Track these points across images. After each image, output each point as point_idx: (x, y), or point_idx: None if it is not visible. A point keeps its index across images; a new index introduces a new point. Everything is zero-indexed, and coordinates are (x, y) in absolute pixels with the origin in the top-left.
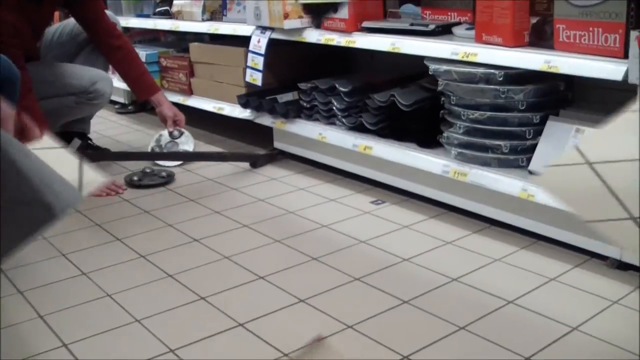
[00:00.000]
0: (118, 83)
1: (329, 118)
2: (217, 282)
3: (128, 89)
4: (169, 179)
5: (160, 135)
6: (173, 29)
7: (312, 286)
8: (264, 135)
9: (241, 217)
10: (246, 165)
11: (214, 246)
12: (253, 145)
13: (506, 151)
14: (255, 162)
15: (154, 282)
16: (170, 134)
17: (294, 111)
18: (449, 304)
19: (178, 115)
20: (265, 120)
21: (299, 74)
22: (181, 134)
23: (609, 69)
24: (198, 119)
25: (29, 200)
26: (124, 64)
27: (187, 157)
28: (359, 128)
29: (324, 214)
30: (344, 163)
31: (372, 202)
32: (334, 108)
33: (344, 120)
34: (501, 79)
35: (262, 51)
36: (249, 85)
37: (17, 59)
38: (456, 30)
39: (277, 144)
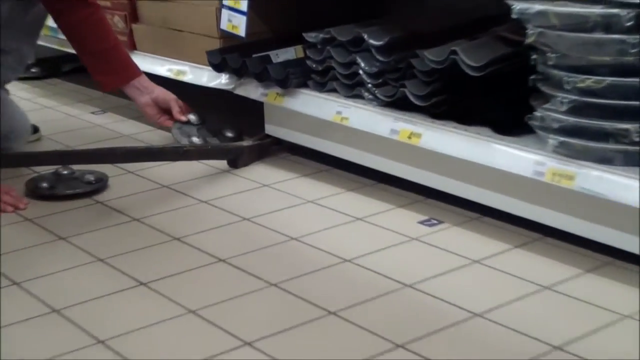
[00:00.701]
0: None
1: (352, 88)
2: None
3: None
4: (98, 185)
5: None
6: None
7: None
8: (250, 114)
9: (214, 248)
10: (223, 163)
11: (170, 294)
12: (232, 131)
13: (638, 139)
14: (236, 159)
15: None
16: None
17: (296, 77)
18: None
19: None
20: (252, 91)
21: (305, 19)
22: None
23: None
24: None
25: None
26: (88, 33)
27: (126, 157)
28: (399, 104)
29: (348, 242)
30: (376, 159)
31: (422, 222)
32: (361, 72)
33: (375, 91)
34: (630, 23)
35: None
36: (225, 35)
37: None
38: None
39: (270, 129)
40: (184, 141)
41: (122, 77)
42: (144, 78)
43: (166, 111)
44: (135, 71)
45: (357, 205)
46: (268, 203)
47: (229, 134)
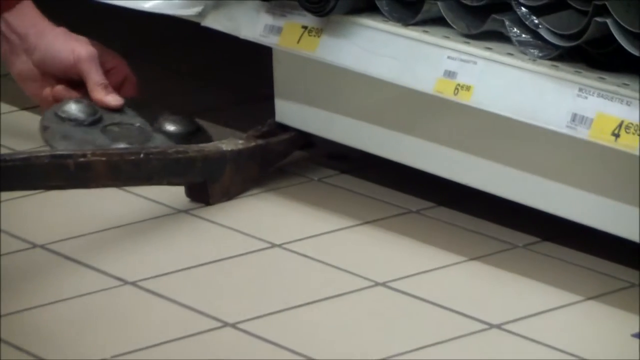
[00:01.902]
0: None
1: (483, 18)
2: None
3: None
4: None
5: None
6: None
7: None
8: (236, 83)
9: None
10: (177, 195)
11: None
12: (185, 123)
13: None
14: (208, 184)
15: None
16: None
17: None
18: None
19: (111, 60)
20: (244, 21)
21: None
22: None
23: None
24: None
25: None
26: None
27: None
28: (587, 56)
29: None
30: (543, 186)
31: None
32: None
33: (539, 25)
34: None
35: None
36: None
37: None
38: None
39: (285, 113)
40: (61, 145)
41: None
42: (29, 7)
43: (70, 81)
44: None
45: (502, 297)
46: (294, 294)
47: (179, 129)
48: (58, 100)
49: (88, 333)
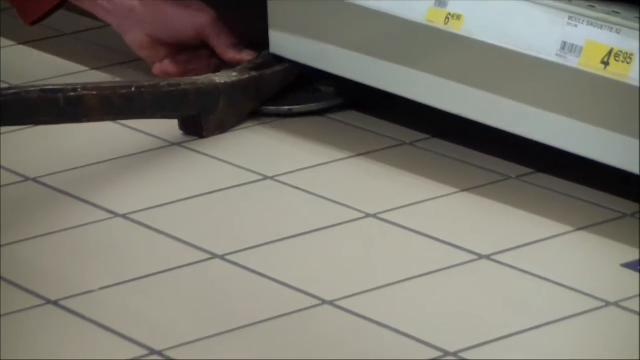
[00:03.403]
0: None
1: None
2: None
3: None
4: None
5: None
6: None
7: None
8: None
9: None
10: (170, 129)
11: None
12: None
13: None
14: (202, 115)
15: None
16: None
17: None
18: None
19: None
20: None
21: None
22: None
23: None
24: None
25: None
26: None
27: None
28: None
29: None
30: (530, 114)
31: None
32: None
33: None
34: None
35: None
36: None
37: None
38: None
39: (279, 43)
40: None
41: None
42: None
43: (191, 47)
44: None
45: (494, 228)
46: (286, 226)
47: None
48: (170, 74)
49: (78, 265)
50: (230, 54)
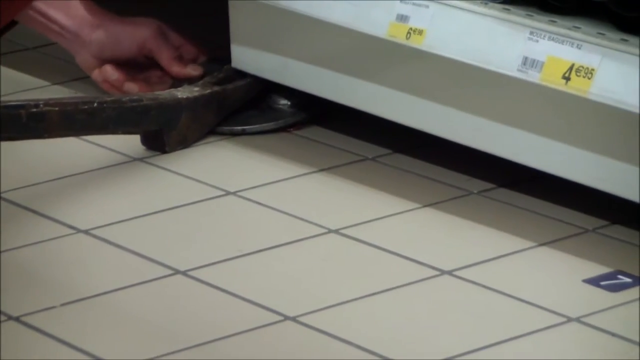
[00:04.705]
0: None
1: None
2: None
3: None
4: None
5: None
6: None
7: None
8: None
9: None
10: (132, 143)
11: None
12: None
13: None
14: (164, 131)
15: None
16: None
17: None
18: None
19: (175, 37)
20: None
21: None
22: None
23: None
24: None
25: None
26: None
27: None
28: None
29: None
30: (490, 129)
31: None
32: None
33: None
34: None
35: None
36: None
37: None
38: None
39: (241, 57)
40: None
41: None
42: None
43: (135, 63)
44: None
45: (454, 246)
46: (248, 241)
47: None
48: (110, 81)
49: (39, 281)
50: (175, 68)
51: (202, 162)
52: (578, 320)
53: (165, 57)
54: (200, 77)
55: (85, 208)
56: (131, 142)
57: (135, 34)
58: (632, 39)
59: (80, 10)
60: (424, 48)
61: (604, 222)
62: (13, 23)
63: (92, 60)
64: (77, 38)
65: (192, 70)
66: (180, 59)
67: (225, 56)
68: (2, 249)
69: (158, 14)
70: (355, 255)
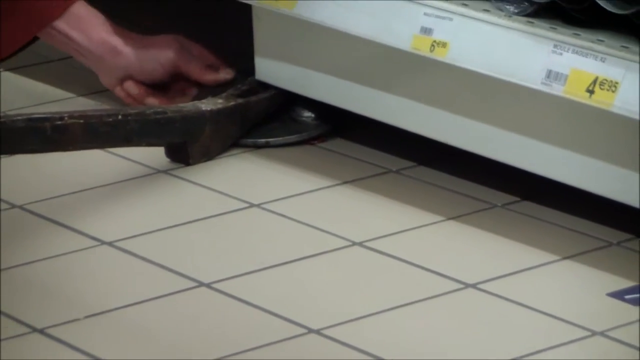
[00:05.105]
0: None
1: None
2: None
3: None
4: None
5: None
6: None
7: None
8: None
9: None
10: (157, 156)
11: None
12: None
13: None
14: (188, 144)
15: None
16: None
17: None
18: None
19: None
20: None
21: None
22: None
23: None
24: None
25: None
26: None
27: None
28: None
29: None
30: (517, 143)
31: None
32: None
33: None
34: None
35: None
36: None
37: None
38: None
39: (265, 70)
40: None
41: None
42: (83, 7)
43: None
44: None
45: (477, 259)
46: (272, 253)
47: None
48: (132, 95)
49: (64, 293)
50: (208, 76)
51: (226, 175)
52: (602, 334)
53: (195, 71)
54: (224, 89)
55: (109, 220)
56: (155, 155)
57: (158, 57)
58: None
59: (101, 32)
60: (448, 61)
61: (628, 236)
62: (35, 38)
63: (115, 81)
64: (100, 62)
65: (226, 75)
66: (211, 67)
67: (247, 67)
68: (26, 260)
69: (179, 26)
70: (379, 267)
